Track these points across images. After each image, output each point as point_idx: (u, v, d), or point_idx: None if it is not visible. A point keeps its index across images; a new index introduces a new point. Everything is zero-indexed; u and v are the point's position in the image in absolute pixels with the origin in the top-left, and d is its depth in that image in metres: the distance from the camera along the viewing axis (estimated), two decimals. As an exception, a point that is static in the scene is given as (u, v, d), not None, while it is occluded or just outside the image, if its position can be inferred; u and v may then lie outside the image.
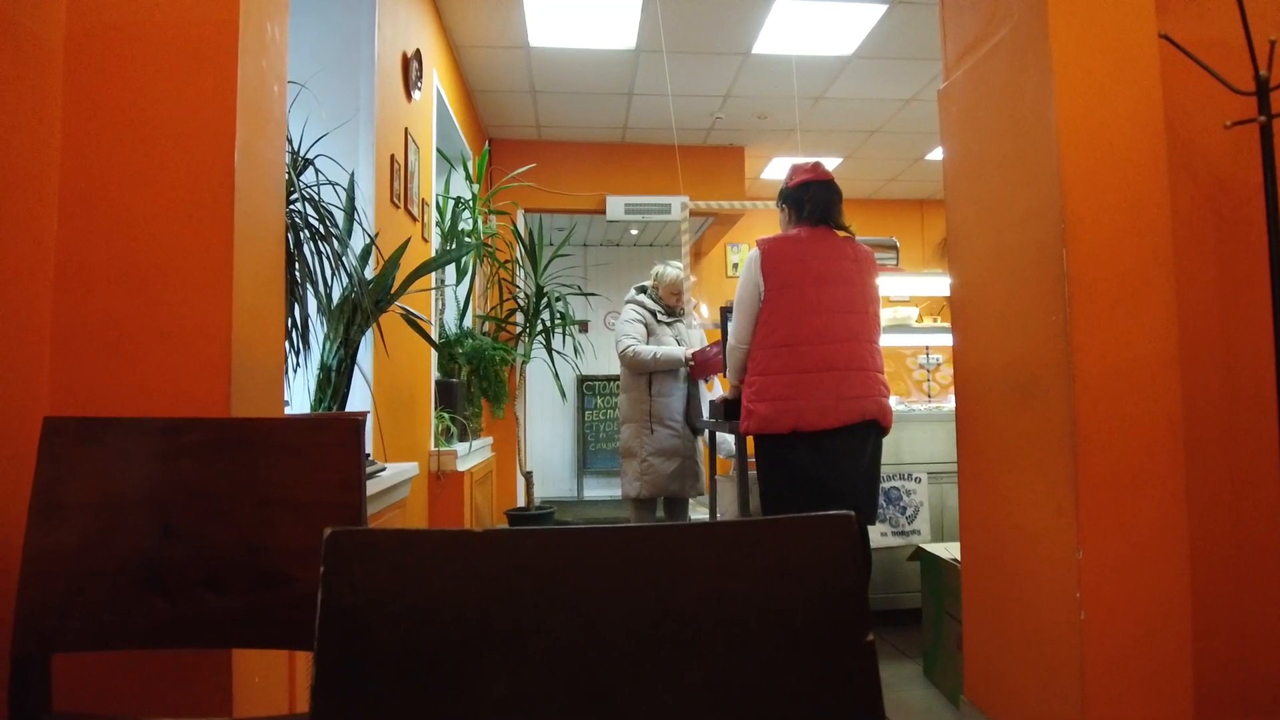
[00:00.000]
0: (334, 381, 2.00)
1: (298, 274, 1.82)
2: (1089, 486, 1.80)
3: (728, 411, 2.92)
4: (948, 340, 2.63)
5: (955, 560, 2.46)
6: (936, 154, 6.26)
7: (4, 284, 1.27)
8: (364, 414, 2.07)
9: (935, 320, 5.30)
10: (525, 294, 4.93)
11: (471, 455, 4.00)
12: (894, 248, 4.60)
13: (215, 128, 1.41)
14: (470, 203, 4.45)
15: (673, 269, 3.92)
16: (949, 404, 3.59)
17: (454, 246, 4.09)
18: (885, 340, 2.75)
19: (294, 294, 1.80)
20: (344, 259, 1.94)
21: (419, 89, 3.54)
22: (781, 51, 4.65)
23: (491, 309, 5.04)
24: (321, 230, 1.91)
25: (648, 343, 3.75)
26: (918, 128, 5.93)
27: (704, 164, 6.23)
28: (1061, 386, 1.85)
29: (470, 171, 4.69)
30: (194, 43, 1.41)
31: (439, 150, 4.16)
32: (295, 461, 1.15)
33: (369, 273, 2.17)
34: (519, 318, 4.99)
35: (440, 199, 4.15)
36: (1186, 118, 2.03)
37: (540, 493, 5.16)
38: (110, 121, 1.39)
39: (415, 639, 0.56)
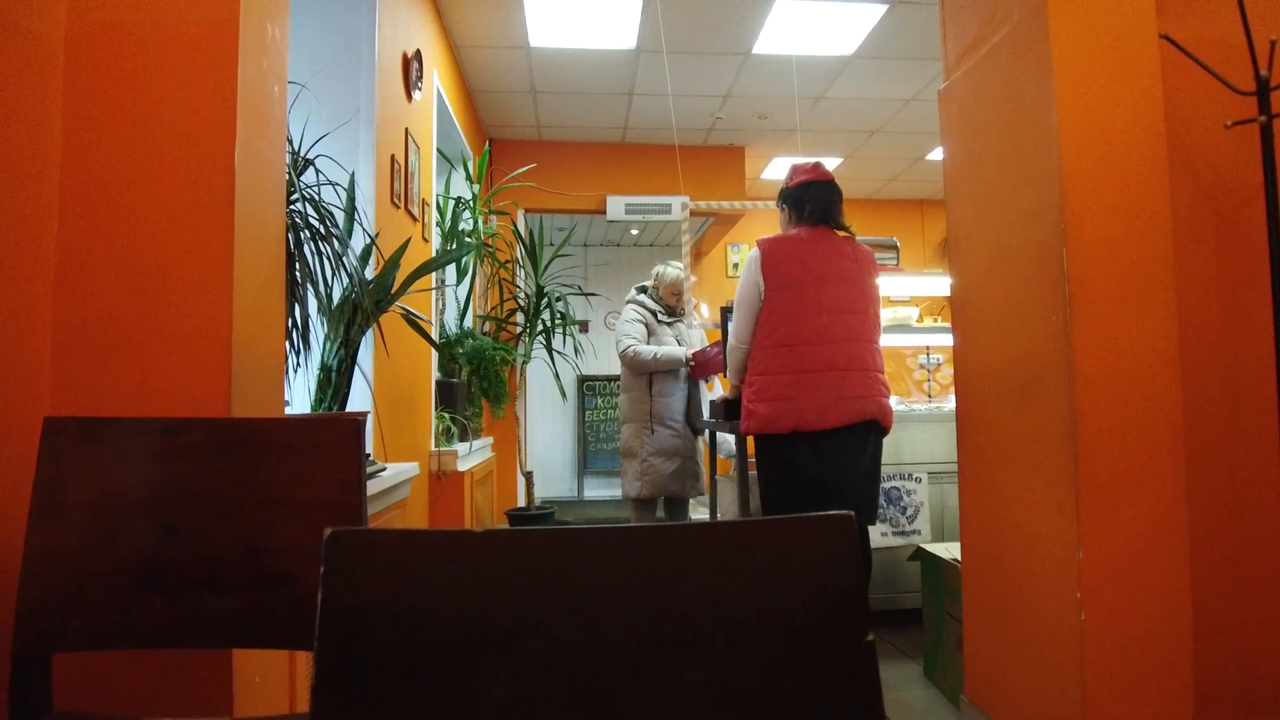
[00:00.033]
0: (334, 381, 2.00)
1: (298, 274, 1.82)
2: (1089, 486, 1.80)
3: (728, 411, 2.91)
4: (948, 340, 2.63)
5: (955, 560, 2.46)
6: (937, 154, 6.26)
7: (4, 284, 1.27)
8: (364, 414, 2.07)
9: (935, 320, 5.30)
10: (525, 294, 4.93)
11: (472, 455, 4.00)
12: (894, 248, 4.60)
13: (215, 128, 1.41)
14: (470, 203, 4.45)
15: (673, 269, 3.92)
16: (949, 404, 3.59)
17: (454, 246, 4.09)
18: (885, 340, 2.75)
19: (294, 294, 1.80)
20: (344, 259, 1.94)
21: (419, 89, 3.54)
22: (782, 51, 4.65)
23: (492, 309, 5.04)
24: (322, 230, 1.91)
25: (648, 343, 3.75)
26: (918, 128, 5.93)
27: (704, 164, 6.23)
28: (1062, 386, 1.85)
29: (470, 172, 4.69)
30: (194, 43, 1.41)
31: (439, 150, 4.16)
32: (296, 461, 1.15)
33: (369, 273, 2.17)
34: (519, 318, 4.99)
35: (440, 199, 4.15)
36: (1187, 118, 2.03)
37: (540, 493, 5.16)
38: (110, 121, 1.39)
39: (415, 639, 0.56)
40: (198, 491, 1.13)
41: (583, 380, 8.09)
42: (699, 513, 4.25)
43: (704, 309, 5.58)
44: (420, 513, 3.37)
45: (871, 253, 2.73)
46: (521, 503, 5.16)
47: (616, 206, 6.07)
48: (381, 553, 0.57)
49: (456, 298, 4.48)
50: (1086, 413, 1.81)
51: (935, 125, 2.49)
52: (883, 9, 4.15)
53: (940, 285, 3.99)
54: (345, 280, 1.96)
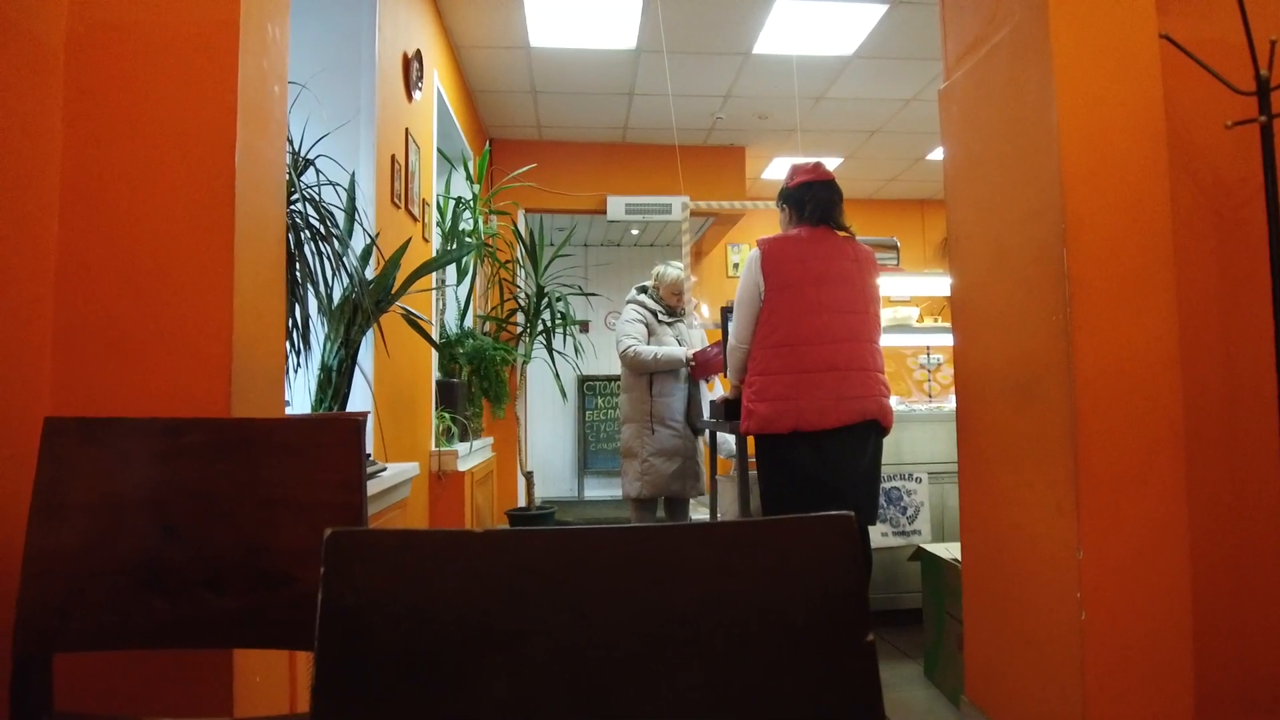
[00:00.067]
0: (335, 382, 2.00)
1: (298, 274, 1.82)
2: (1089, 486, 1.80)
3: (728, 411, 2.92)
4: (948, 340, 2.63)
5: (956, 560, 2.46)
6: (937, 154, 6.26)
7: (4, 284, 1.27)
8: (365, 414, 2.07)
9: (936, 320, 5.30)
10: (526, 294, 4.93)
11: (472, 455, 4.00)
12: (894, 248, 4.60)
13: (216, 128, 1.41)
14: (471, 203, 4.45)
15: (673, 269, 3.92)
16: (949, 404, 3.59)
17: (454, 247, 4.09)
18: (886, 340, 2.75)
19: (295, 294, 1.80)
20: (345, 259, 1.94)
21: (420, 89, 3.54)
22: (782, 51, 4.65)
23: (492, 309, 5.04)
24: (322, 230, 1.91)
25: (649, 343, 3.75)
26: (918, 128, 5.93)
27: (705, 164, 6.23)
28: (1062, 386, 1.85)
29: (471, 172, 4.69)
30: (194, 43, 1.41)
31: (440, 150, 4.16)
32: (296, 462, 1.15)
33: (369, 273, 2.17)
34: (520, 318, 4.99)
35: (441, 199, 4.15)
36: (1187, 118, 2.03)
37: (541, 493, 5.16)
38: (110, 122, 1.39)
39: (416, 639, 0.56)
40: (198, 492, 1.13)
41: (583, 380, 8.09)
42: (699, 513, 4.25)
43: (704, 309, 5.59)
44: (420, 513, 3.37)
45: (872, 253, 2.73)
46: (522, 503, 5.16)
47: (617, 206, 6.07)
48: (382, 553, 0.57)
49: (457, 298, 4.48)
50: (1087, 413, 1.81)
51: (935, 125, 2.49)
52: (883, 9, 4.15)
53: (940, 285, 3.99)
54: (345, 280, 1.96)
